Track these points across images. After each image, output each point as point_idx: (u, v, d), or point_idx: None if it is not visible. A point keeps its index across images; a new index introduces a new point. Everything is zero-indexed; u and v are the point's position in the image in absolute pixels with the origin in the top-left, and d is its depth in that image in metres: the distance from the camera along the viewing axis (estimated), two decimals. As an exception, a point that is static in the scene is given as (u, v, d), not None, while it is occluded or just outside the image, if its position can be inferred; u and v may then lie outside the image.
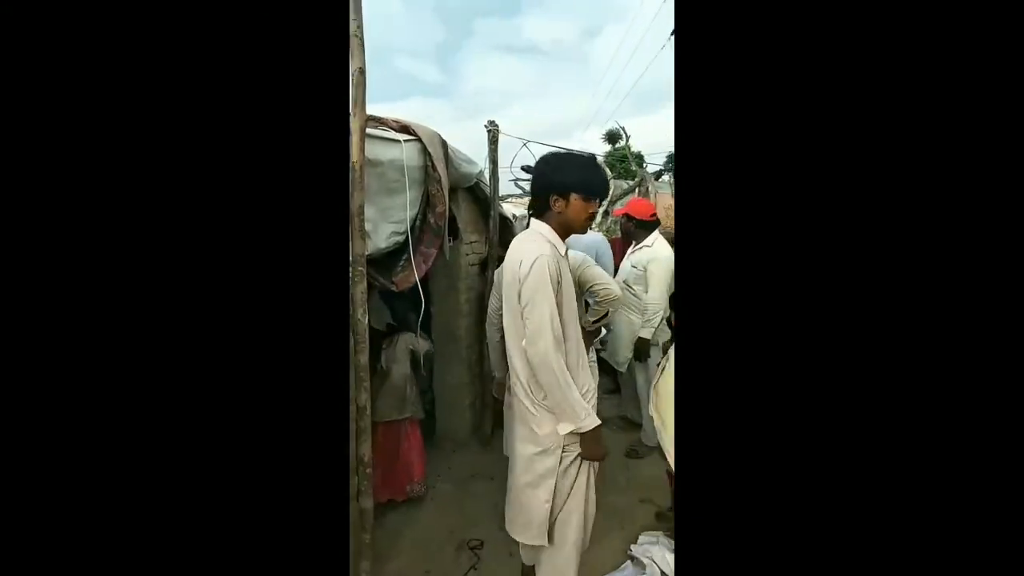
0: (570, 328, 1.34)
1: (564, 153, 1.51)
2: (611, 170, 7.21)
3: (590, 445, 1.36)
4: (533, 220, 1.39)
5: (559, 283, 1.30)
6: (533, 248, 1.30)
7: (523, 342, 1.30)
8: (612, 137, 16.75)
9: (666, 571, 1.85)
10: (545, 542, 1.42)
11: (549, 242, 1.34)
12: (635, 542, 2.03)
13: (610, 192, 5.99)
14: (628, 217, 2.80)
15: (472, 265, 2.97)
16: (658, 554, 1.91)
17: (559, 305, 1.30)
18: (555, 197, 1.34)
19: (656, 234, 2.75)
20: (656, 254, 2.65)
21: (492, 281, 2.87)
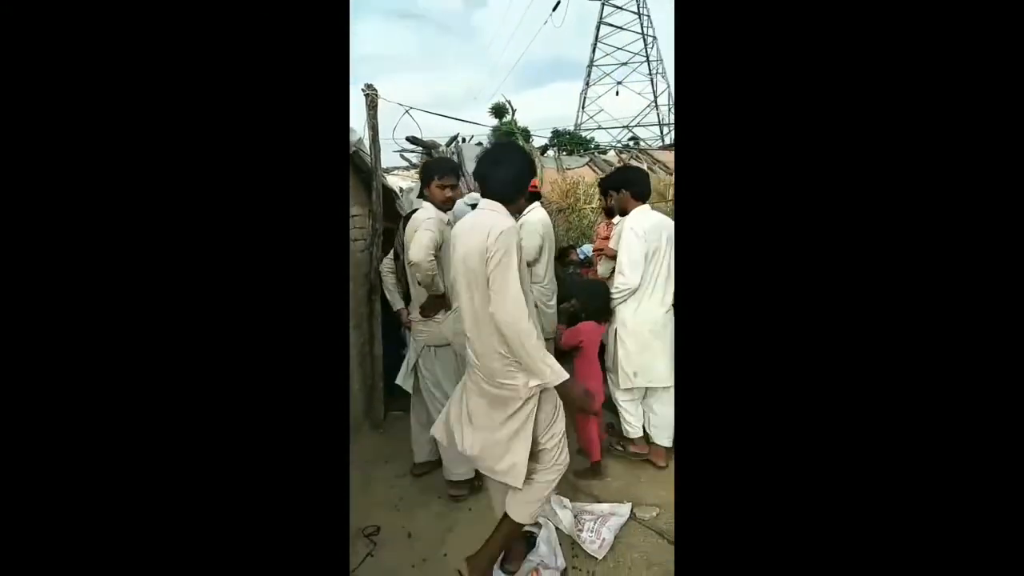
0: (529, 297, 1.49)
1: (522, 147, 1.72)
2: (499, 144, 7.21)
3: (571, 396, 1.53)
4: (488, 201, 1.52)
5: (519, 254, 1.45)
6: (500, 220, 1.43)
7: (491, 305, 1.40)
8: (498, 111, 16.78)
9: (561, 527, 1.95)
10: (521, 484, 1.55)
11: (510, 217, 1.50)
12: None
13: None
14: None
15: (355, 240, 2.78)
16: (550, 511, 2.01)
17: (521, 273, 1.43)
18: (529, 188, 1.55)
19: (536, 204, 2.83)
20: (526, 218, 2.69)
21: (378, 259, 2.72)
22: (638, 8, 31.50)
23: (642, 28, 31.59)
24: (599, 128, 31.45)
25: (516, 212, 1.55)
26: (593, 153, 7.15)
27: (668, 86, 31.45)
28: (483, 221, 1.46)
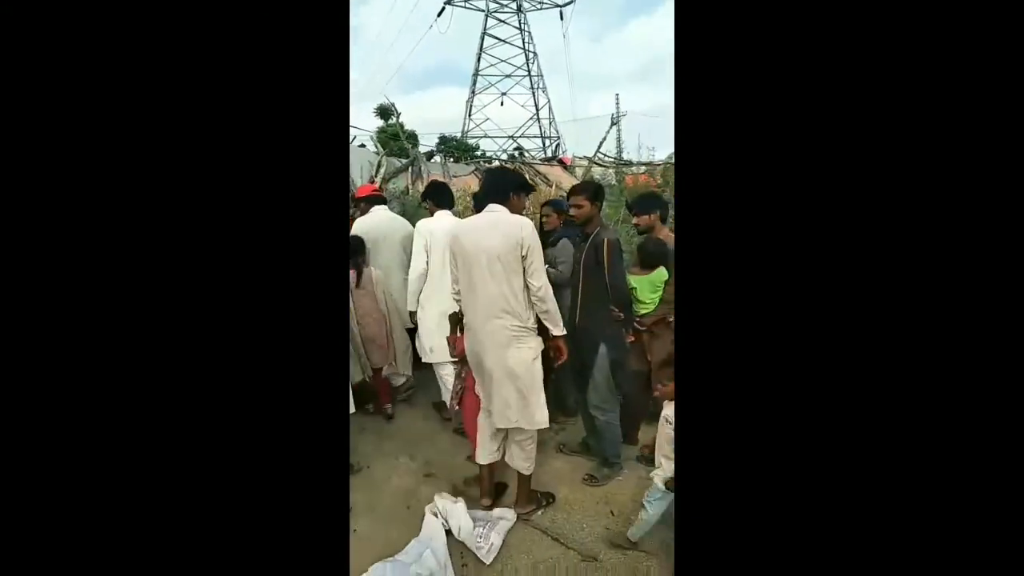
0: None
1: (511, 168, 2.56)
2: (383, 147, 7.03)
3: (561, 346, 1.99)
4: (493, 205, 1.95)
5: None
6: (524, 219, 1.91)
7: (529, 278, 1.87)
8: (384, 113, 16.31)
9: (456, 535, 1.96)
10: (548, 422, 2.04)
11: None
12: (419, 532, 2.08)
13: (383, 170, 5.85)
14: (357, 200, 3.41)
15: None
16: (444, 513, 2.01)
17: None
18: (516, 195, 2.01)
19: (374, 207, 3.20)
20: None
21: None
22: (520, 24, 32.81)
23: (523, 43, 32.94)
24: (485, 136, 32.09)
25: (516, 210, 2.00)
26: (479, 162, 7.29)
27: (548, 101, 33.15)
28: (505, 219, 1.89)
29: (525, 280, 1.89)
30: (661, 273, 2.41)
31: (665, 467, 1.82)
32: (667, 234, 2.57)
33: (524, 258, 1.87)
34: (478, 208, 2.09)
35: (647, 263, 2.43)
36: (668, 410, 1.85)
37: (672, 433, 1.78)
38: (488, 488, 2.20)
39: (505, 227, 1.87)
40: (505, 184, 2.02)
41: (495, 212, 1.94)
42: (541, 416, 1.99)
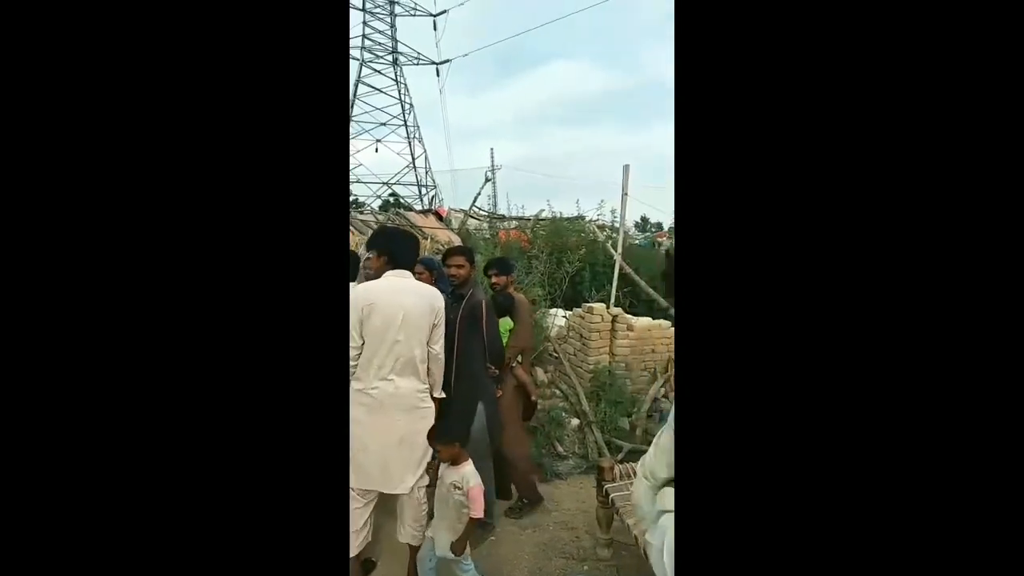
0: None
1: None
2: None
3: (440, 409, 2.08)
4: (401, 271, 2.04)
5: None
6: (436, 291, 2.12)
7: (433, 344, 2.02)
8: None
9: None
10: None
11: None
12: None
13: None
14: None
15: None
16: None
17: None
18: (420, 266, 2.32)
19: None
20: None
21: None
22: (395, 76, 33.54)
23: (400, 95, 33.61)
24: (358, 181, 31.46)
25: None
26: (351, 209, 7.16)
27: (424, 151, 33.90)
28: (418, 288, 2.03)
29: (428, 345, 2.01)
30: (507, 322, 2.68)
31: (439, 540, 1.81)
32: (514, 291, 2.86)
33: (435, 327, 2.03)
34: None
35: (497, 313, 2.65)
36: (453, 476, 1.79)
37: (461, 501, 1.76)
38: (356, 573, 2.05)
39: (418, 297, 2.00)
40: (412, 253, 2.14)
41: (406, 279, 2.03)
42: (412, 480, 1.98)
